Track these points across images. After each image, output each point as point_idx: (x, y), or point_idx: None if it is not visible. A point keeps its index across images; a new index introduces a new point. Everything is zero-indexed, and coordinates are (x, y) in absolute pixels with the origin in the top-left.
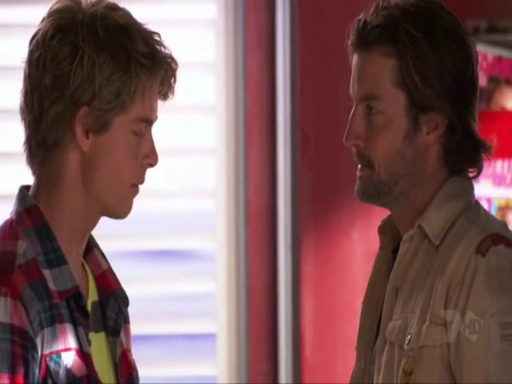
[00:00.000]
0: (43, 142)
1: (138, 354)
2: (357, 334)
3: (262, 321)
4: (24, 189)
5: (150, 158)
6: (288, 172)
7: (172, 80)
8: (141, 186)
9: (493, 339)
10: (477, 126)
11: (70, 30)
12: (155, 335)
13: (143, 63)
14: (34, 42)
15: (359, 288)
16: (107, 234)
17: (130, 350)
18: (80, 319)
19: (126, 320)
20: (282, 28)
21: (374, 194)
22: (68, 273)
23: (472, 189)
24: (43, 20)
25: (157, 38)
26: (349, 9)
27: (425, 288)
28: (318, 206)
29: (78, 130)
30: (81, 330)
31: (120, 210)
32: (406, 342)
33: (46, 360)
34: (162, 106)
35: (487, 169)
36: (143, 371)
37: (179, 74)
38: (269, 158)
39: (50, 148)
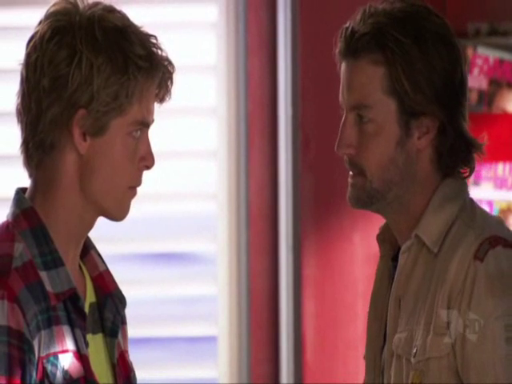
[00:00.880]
0: (40, 145)
1: (139, 357)
2: (365, 342)
3: (263, 323)
4: (20, 191)
5: (147, 161)
6: (289, 174)
7: (169, 83)
8: (142, 189)
9: (498, 342)
10: (468, 127)
11: (68, 32)
12: (156, 338)
13: (141, 65)
14: (32, 44)
15: (360, 291)
16: (109, 236)
17: (127, 351)
18: (77, 321)
19: (124, 321)
20: (284, 30)
21: (366, 201)
22: (65, 274)
23: (466, 188)
24: (40, 22)
25: (154, 41)
26: (350, 11)
27: (427, 298)
28: (319, 208)
29: (76, 132)
30: (78, 331)
31: (117, 213)
32: (413, 354)
33: (43, 362)
34: (163, 109)
35: (488, 171)
36: (144, 374)
37: (180, 76)
38: (270, 160)
39: (47, 150)
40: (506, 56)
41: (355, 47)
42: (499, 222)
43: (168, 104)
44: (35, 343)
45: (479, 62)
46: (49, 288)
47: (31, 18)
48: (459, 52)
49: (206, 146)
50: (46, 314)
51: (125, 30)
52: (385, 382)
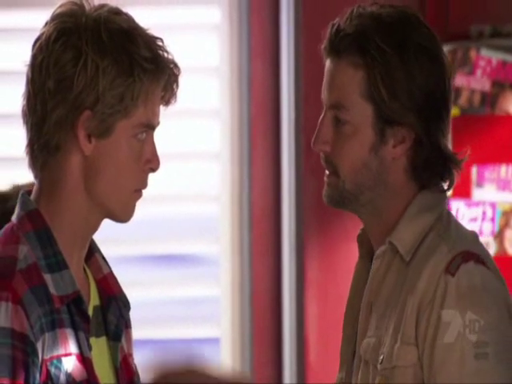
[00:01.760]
0: (45, 146)
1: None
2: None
3: (265, 325)
4: (26, 193)
5: (152, 163)
6: (292, 176)
7: (174, 85)
8: (145, 191)
9: (467, 359)
10: (446, 142)
11: (74, 33)
12: (159, 340)
13: (146, 68)
14: (37, 45)
15: None
16: (111, 238)
17: (131, 355)
18: (81, 324)
19: (128, 325)
20: (287, 32)
21: (339, 200)
22: (69, 277)
23: (444, 201)
24: (46, 24)
25: (160, 43)
26: None
27: (397, 306)
28: (322, 210)
29: (81, 133)
30: (81, 334)
31: (123, 215)
32: (379, 361)
33: (46, 365)
34: (166, 111)
35: (491, 173)
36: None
37: (183, 78)
38: (273, 162)
39: (52, 152)
40: (508, 58)
41: (338, 47)
42: (474, 236)
43: (171, 106)
44: (39, 346)
45: (482, 63)
46: (53, 291)
47: (36, 20)
48: (444, 66)
49: (209, 147)
50: (49, 316)
51: (131, 33)
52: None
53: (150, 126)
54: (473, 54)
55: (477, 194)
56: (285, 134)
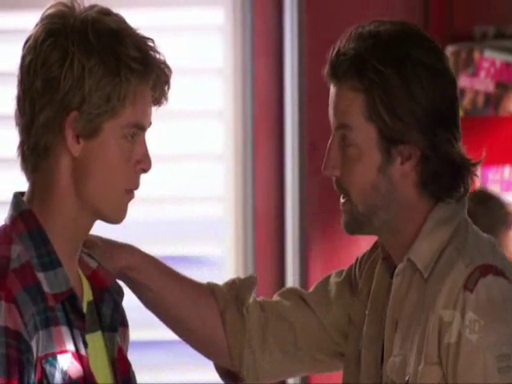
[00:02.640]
0: (35, 148)
1: (144, 360)
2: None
3: None
4: (18, 195)
5: (143, 164)
6: (296, 178)
7: (165, 86)
8: (148, 193)
9: (491, 373)
10: (458, 151)
11: (61, 34)
12: (162, 341)
13: (134, 68)
14: (27, 46)
15: None
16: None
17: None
18: (76, 321)
19: (125, 323)
20: (290, 33)
21: (355, 227)
22: (63, 275)
23: (460, 211)
24: (36, 25)
25: (150, 44)
26: (356, 13)
27: (420, 324)
28: (326, 212)
29: (69, 134)
30: (77, 332)
31: (114, 216)
32: (405, 382)
33: (41, 362)
34: (169, 112)
35: (495, 174)
36: (149, 377)
37: (187, 79)
38: (276, 163)
39: (42, 153)
40: None
41: (337, 72)
42: (492, 246)
43: (174, 107)
44: (33, 344)
45: (486, 65)
46: (46, 289)
47: (31, 21)
48: (447, 77)
49: (213, 149)
50: (43, 314)
51: (119, 33)
52: None
53: (140, 127)
54: (476, 55)
55: None
56: (288, 135)
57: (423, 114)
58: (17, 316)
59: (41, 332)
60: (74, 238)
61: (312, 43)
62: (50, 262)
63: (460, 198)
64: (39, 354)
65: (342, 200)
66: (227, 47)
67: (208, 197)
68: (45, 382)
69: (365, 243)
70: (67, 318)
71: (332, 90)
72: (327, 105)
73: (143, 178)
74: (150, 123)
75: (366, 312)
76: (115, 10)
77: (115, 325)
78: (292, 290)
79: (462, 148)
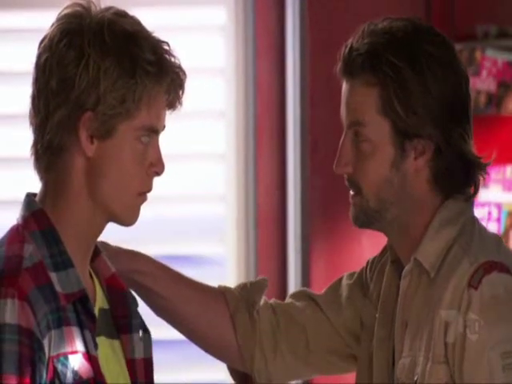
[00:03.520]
0: (48, 146)
1: None
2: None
3: None
4: (31, 195)
5: (157, 167)
6: (298, 177)
7: (179, 90)
8: (150, 192)
9: (496, 372)
10: (470, 148)
11: (77, 34)
12: (168, 340)
13: (149, 70)
14: (42, 46)
15: None
16: (117, 239)
17: None
18: (86, 322)
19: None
20: (292, 33)
21: (365, 220)
22: (74, 276)
23: (467, 209)
24: (52, 25)
25: (165, 47)
26: (359, 13)
27: (428, 323)
28: (328, 211)
29: (83, 134)
30: (87, 333)
31: (127, 218)
32: (414, 382)
33: (53, 362)
34: (171, 112)
35: (497, 174)
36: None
37: (189, 79)
38: (278, 163)
39: (56, 152)
40: None
41: (351, 67)
42: (497, 243)
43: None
44: (45, 342)
45: (488, 64)
46: (58, 289)
47: (37, 21)
48: (459, 72)
49: (215, 148)
50: (56, 313)
51: (134, 35)
52: None
53: (154, 130)
54: (478, 54)
55: (482, 194)
56: (290, 134)
57: (437, 109)
58: (29, 314)
59: (53, 331)
60: (85, 238)
61: (314, 43)
62: (62, 262)
63: (469, 197)
64: (51, 354)
65: (351, 193)
66: (229, 47)
67: (210, 196)
68: (56, 381)
69: (367, 242)
70: (78, 318)
71: (345, 86)
72: (329, 104)
73: None
74: (164, 127)
75: (377, 315)
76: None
77: (144, 325)
78: (303, 292)
79: (473, 146)
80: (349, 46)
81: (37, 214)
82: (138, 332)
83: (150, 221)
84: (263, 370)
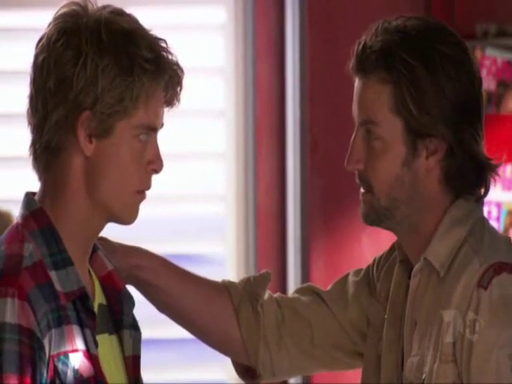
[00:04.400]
0: (47, 146)
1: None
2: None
3: None
4: (30, 194)
5: (155, 164)
6: (297, 176)
7: (177, 87)
8: (150, 191)
9: (503, 372)
10: (481, 148)
11: (74, 33)
12: (166, 339)
13: (146, 68)
14: (40, 45)
15: None
16: (116, 238)
17: None
18: (86, 321)
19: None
20: (292, 33)
21: (375, 218)
22: (74, 274)
23: (478, 209)
24: (49, 24)
25: (163, 45)
26: (358, 14)
27: (436, 323)
28: (327, 210)
29: (81, 133)
30: (87, 331)
31: (125, 216)
32: (422, 381)
33: (53, 361)
34: (171, 111)
35: None
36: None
37: (189, 78)
38: (278, 162)
39: (54, 152)
40: None
41: (364, 65)
42: (508, 244)
43: (175, 108)
44: (46, 342)
45: (487, 63)
46: (58, 288)
47: (36, 20)
48: (472, 72)
49: (214, 147)
50: (56, 313)
51: (132, 33)
52: None
53: (152, 128)
54: (478, 53)
55: None
56: (290, 133)
57: (450, 108)
58: (30, 314)
59: (53, 330)
60: (84, 237)
61: (314, 42)
62: (62, 261)
63: (479, 198)
64: (52, 353)
65: (362, 190)
66: (229, 46)
67: (210, 195)
68: (57, 380)
69: (367, 241)
70: (78, 317)
71: (357, 84)
72: (329, 104)
73: None
74: (162, 124)
75: (385, 316)
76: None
77: (137, 324)
78: (309, 288)
79: (485, 146)
80: (362, 43)
81: (36, 213)
82: (128, 329)
83: (149, 220)
84: (268, 364)
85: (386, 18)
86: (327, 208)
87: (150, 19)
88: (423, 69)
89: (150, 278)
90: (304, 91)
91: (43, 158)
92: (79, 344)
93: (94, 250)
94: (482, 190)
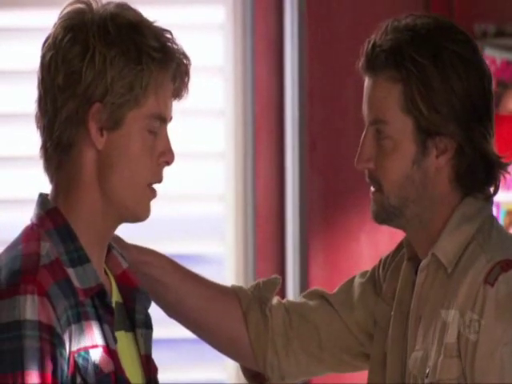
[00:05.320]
0: (58, 144)
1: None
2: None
3: None
4: (43, 194)
5: (167, 156)
6: (296, 176)
7: (185, 77)
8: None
9: (507, 369)
10: (491, 147)
11: (81, 29)
12: (164, 339)
13: (154, 56)
14: (46, 45)
15: None
16: None
17: None
18: (105, 317)
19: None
20: (291, 32)
21: (385, 217)
22: (91, 271)
23: (487, 208)
24: (55, 24)
25: (168, 36)
26: (357, 14)
27: (441, 318)
28: (326, 209)
29: (92, 127)
30: (106, 327)
31: (138, 212)
32: (425, 375)
33: (74, 356)
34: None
35: None
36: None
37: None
38: (277, 162)
39: (66, 149)
40: None
41: (374, 63)
42: None
43: (175, 105)
44: (66, 338)
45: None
46: (76, 284)
47: (36, 20)
48: (482, 70)
49: (213, 147)
50: (75, 308)
51: (138, 25)
52: None
53: (162, 118)
54: None
55: None
56: (289, 133)
57: (460, 107)
58: (49, 310)
59: (73, 326)
60: (99, 234)
61: (313, 43)
62: (79, 258)
63: (489, 196)
64: (72, 348)
65: (372, 189)
66: (228, 45)
67: (209, 195)
68: (78, 375)
69: (366, 241)
70: (97, 313)
71: (367, 82)
72: (328, 103)
73: None
74: (171, 118)
75: (392, 313)
76: None
77: (150, 323)
78: (316, 292)
79: (495, 145)
80: (372, 42)
81: (51, 213)
82: (140, 328)
83: (148, 220)
84: (276, 368)
85: (385, 18)
86: (326, 207)
87: (150, 18)
88: (433, 67)
89: (157, 274)
90: (303, 91)
91: (55, 156)
92: (99, 339)
93: (109, 249)
94: (492, 189)
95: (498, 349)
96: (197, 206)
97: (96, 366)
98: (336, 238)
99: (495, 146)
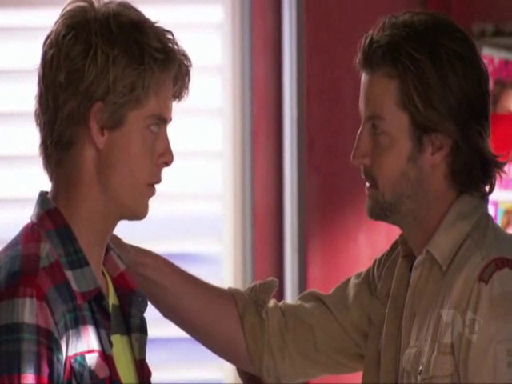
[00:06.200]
0: (59, 141)
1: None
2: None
3: None
4: (44, 193)
5: (166, 157)
6: (294, 175)
7: (186, 78)
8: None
9: (500, 367)
10: (487, 145)
11: (83, 27)
12: (161, 338)
13: (156, 57)
14: (48, 42)
15: None
16: None
17: None
18: (102, 321)
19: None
20: (289, 31)
21: (380, 213)
22: (90, 274)
23: (483, 206)
24: (56, 21)
25: (170, 36)
26: (355, 13)
27: (435, 315)
28: (325, 209)
29: (93, 126)
30: (103, 332)
31: (137, 211)
32: (419, 371)
33: (70, 361)
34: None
35: None
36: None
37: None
38: (275, 161)
39: (66, 147)
40: (511, 57)
41: (371, 59)
42: (510, 240)
43: (174, 104)
44: (63, 342)
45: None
46: (75, 287)
47: (37, 19)
48: (479, 68)
49: (212, 146)
50: (73, 313)
51: (140, 24)
52: None
53: (162, 119)
54: None
55: None
56: (287, 132)
57: (456, 104)
58: (48, 314)
59: (71, 331)
60: (98, 235)
61: (311, 42)
62: (78, 261)
63: (485, 194)
64: (69, 353)
65: (367, 185)
66: (226, 45)
67: (207, 194)
68: (73, 380)
69: (364, 241)
70: (93, 317)
71: (364, 78)
72: (326, 102)
73: None
74: (171, 118)
75: (386, 311)
76: None
77: (145, 327)
78: (311, 294)
79: (491, 143)
80: (369, 38)
81: (51, 213)
82: (135, 333)
83: (146, 219)
84: (272, 370)
85: (384, 17)
86: (324, 206)
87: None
88: (430, 64)
89: (153, 275)
90: (301, 90)
91: (54, 154)
92: (95, 344)
93: (107, 249)
94: (488, 187)
95: (492, 347)
96: (195, 204)
97: (91, 372)
98: (334, 238)
99: (492, 145)
